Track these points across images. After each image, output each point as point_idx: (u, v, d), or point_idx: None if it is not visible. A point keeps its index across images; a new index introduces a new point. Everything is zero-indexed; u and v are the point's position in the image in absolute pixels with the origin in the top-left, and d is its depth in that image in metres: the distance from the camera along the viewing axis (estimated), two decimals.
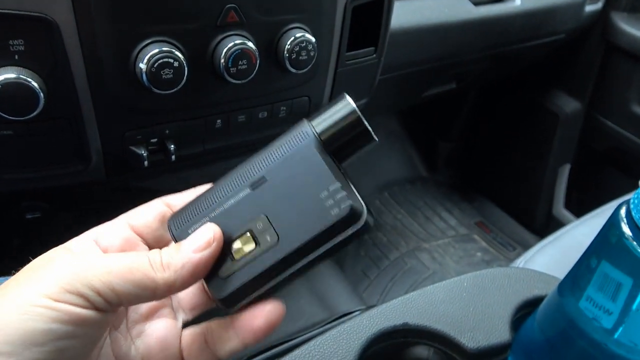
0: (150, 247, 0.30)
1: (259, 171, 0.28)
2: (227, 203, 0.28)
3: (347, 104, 0.27)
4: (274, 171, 0.27)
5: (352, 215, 0.26)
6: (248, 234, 0.27)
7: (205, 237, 0.27)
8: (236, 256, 0.27)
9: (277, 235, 0.27)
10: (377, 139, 0.27)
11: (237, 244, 0.27)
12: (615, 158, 1.33)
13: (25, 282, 0.24)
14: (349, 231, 0.26)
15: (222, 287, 0.27)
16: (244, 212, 0.28)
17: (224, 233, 0.28)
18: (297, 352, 0.38)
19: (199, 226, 0.28)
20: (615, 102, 1.25)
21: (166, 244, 0.29)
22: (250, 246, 0.27)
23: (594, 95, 1.30)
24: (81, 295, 0.23)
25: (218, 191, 0.29)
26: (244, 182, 0.28)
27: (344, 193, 0.26)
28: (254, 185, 0.28)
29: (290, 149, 0.27)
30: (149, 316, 0.30)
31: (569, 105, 1.33)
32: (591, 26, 1.22)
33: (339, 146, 0.27)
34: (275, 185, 0.27)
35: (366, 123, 0.27)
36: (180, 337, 0.30)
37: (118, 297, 0.24)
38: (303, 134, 0.27)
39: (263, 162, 0.28)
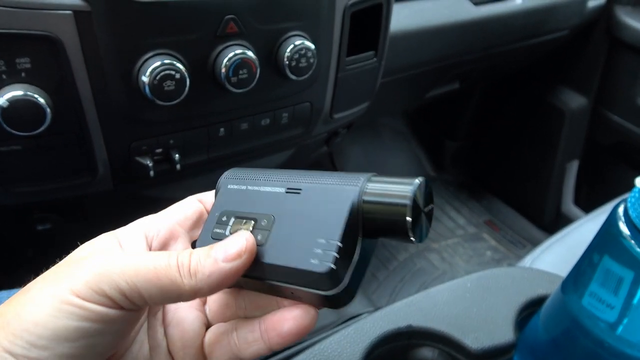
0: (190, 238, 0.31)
1: (302, 182, 0.28)
2: (264, 188, 0.29)
3: (405, 195, 0.24)
4: (310, 191, 0.27)
5: (324, 278, 0.24)
6: (252, 221, 0.28)
7: (237, 247, 0.26)
8: (230, 230, 0.28)
9: (265, 241, 0.27)
10: (414, 240, 0.25)
11: (237, 221, 0.28)
12: (624, 152, 1.31)
13: (58, 278, 0.24)
14: (313, 290, 0.25)
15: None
16: (266, 202, 0.28)
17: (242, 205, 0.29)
18: (302, 356, 0.39)
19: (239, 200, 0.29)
20: (621, 96, 1.24)
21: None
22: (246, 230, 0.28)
23: (599, 91, 1.29)
24: (107, 296, 0.24)
25: (268, 175, 0.29)
26: (287, 182, 0.28)
27: (333, 254, 0.24)
28: (289, 190, 0.28)
29: (337, 183, 0.27)
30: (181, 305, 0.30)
31: (575, 101, 1.32)
32: (595, 21, 1.21)
33: (371, 220, 0.25)
34: (301, 201, 0.27)
35: (409, 224, 0.24)
36: (204, 335, 0.30)
37: (143, 299, 0.24)
38: (357, 181, 0.26)
39: (312, 178, 0.28)
